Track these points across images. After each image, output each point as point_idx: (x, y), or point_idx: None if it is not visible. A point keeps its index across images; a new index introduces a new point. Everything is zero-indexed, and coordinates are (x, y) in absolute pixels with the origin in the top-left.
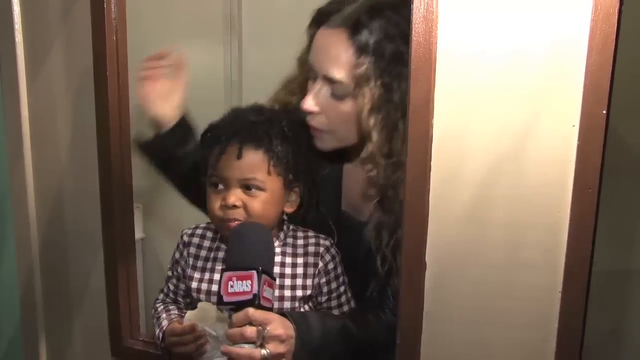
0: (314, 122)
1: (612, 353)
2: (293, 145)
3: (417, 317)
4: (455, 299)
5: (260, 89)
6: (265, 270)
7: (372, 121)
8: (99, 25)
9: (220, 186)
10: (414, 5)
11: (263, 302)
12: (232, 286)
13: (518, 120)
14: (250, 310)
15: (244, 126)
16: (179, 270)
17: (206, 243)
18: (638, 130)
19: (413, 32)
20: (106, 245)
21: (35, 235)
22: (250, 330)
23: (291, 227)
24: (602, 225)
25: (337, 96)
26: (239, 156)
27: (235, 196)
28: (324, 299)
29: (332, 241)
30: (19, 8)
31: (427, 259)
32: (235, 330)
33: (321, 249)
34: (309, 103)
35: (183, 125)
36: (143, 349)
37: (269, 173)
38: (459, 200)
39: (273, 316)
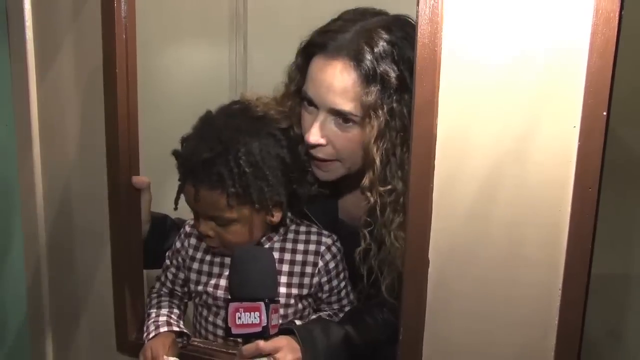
0: (320, 154)
1: (610, 353)
2: (253, 173)
3: (420, 312)
4: (457, 295)
5: (264, 89)
6: (272, 298)
7: (375, 149)
8: (109, 24)
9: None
10: (420, 7)
11: (271, 331)
12: (239, 318)
13: (520, 121)
14: (261, 343)
15: (197, 165)
16: (179, 259)
17: None
18: (637, 132)
19: (419, 33)
20: (113, 241)
21: (42, 232)
22: None
23: (295, 220)
24: (602, 225)
25: (344, 126)
26: (196, 199)
27: (207, 226)
28: (324, 295)
29: (334, 238)
30: (30, 5)
31: (430, 256)
32: None
33: (322, 248)
34: (315, 136)
35: (155, 230)
36: None
37: (230, 208)
38: (461, 198)
39: (281, 342)
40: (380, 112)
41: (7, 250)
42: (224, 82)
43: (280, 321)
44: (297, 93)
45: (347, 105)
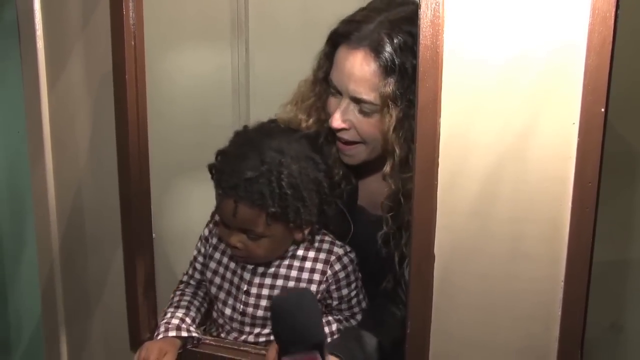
0: (345, 136)
1: (612, 346)
2: (293, 195)
3: (426, 307)
4: (462, 289)
5: (267, 92)
6: (323, 340)
7: (394, 138)
8: (118, 32)
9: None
10: (422, 10)
11: None
12: None
13: (521, 119)
14: None
15: (239, 183)
16: (208, 247)
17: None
18: (635, 127)
19: (421, 35)
20: (125, 242)
21: (55, 236)
22: None
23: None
24: (602, 218)
25: (365, 113)
26: (234, 214)
27: (237, 238)
28: (334, 303)
29: (347, 249)
30: (40, 15)
31: (435, 251)
32: None
33: (332, 257)
34: (337, 121)
35: None
36: None
37: (268, 225)
38: (465, 195)
39: None
40: (399, 102)
41: (20, 254)
42: (227, 86)
43: None
44: (324, 80)
45: (367, 94)
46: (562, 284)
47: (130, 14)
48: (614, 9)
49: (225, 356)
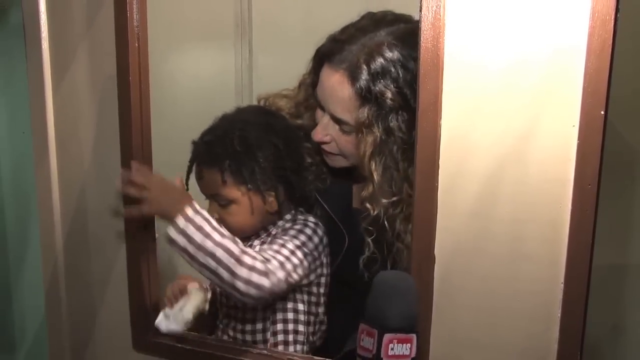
0: (327, 148)
1: (613, 348)
2: (245, 157)
3: (427, 308)
4: (462, 290)
5: None
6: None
7: (373, 165)
8: (122, 33)
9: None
10: (422, 12)
11: None
12: (392, 349)
13: (521, 121)
14: None
15: (200, 148)
16: None
17: None
18: (635, 130)
19: (422, 38)
20: (128, 242)
21: (59, 236)
22: None
23: (297, 214)
24: (602, 220)
25: (345, 131)
26: (199, 177)
27: (212, 209)
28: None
29: (318, 223)
30: (46, 16)
31: (435, 252)
32: None
33: (300, 222)
34: (318, 135)
35: None
36: (164, 342)
37: (226, 186)
38: (465, 196)
39: None
40: (375, 129)
41: (25, 254)
42: (230, 87)
43: None
44: (311, 86)
45: (343, 115)
46: (562, 285)
47: (134, 15)
48: (613, 12)
49: (226, 355)
